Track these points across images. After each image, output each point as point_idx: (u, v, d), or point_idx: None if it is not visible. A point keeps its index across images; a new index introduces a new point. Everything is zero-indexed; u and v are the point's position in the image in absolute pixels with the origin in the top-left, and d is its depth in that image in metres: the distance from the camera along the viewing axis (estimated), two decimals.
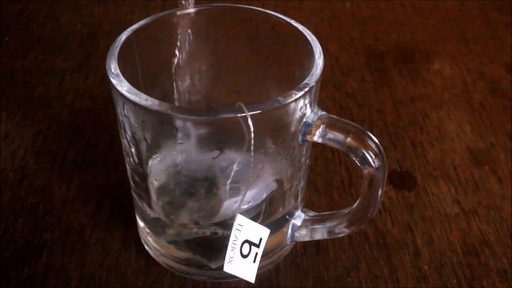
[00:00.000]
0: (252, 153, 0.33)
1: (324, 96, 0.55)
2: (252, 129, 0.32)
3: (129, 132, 0.36)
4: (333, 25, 0.65)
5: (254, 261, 0.36)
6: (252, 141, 0.33)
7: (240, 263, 0.36)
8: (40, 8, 0.66)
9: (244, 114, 0.32)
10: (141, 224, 0.41)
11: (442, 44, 0.63)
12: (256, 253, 0.36)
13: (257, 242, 0.36)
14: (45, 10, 0.66)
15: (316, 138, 0.35)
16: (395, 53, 0.62)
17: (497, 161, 0.50)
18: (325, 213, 0.40)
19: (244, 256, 0.36)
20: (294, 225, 0.40)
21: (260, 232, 0.36)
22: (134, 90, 0.33)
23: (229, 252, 0.36)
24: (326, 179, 0.48)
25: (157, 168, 0.38)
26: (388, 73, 0.59)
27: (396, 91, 0.57)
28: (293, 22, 0.38)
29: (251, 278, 0.37)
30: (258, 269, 0.38)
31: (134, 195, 0.40)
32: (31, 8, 0.66)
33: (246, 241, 0.36)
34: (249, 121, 0.32)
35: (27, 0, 0.67)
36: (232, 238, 0.35)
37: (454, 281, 0.41)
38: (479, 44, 0.63)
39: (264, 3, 0.68)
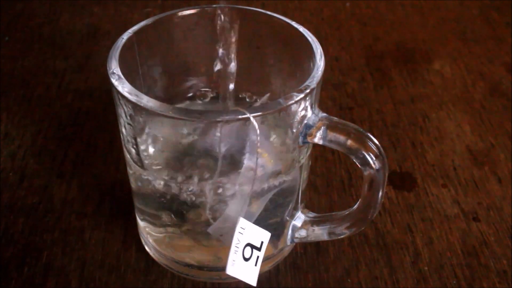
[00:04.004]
0: (259, 155, 0.33)
1: (324, 97, 0.55)
2: (258, 132, 0.32)
3: (129, 133, 0.36)
4: (333, 25, 0.65)
5: (255, 265, 0.36)
6: (259, 144, 0.32)
7: (242, 266, 0.36)
8: (40, 8, 0.66)
9: (247, 116, 0.32)
10: (141, 223, 0.41)
11: (442, 44, 0.63)
12: (258, 257, 0.36)
13: (258, 246, 0.36)
14: (45, 10, 0.66)
15: (317, 139, 0.35)
16: (395, 53, 0.62)
17: (497, 162, 0.50)
18: (325, 214, 0.40)
19: (246, 259, 0.36)
20: (294, 226, 0.40)
21: (261, 236, 0.36)
22: (135, 91, 0.33)
23: (231, 255, 0.36)
24: (326, 179, 0.48)
25: (157, 167, 0.38)
26: (388, 73, 0.59)
27: (396, 91, 0.57)
28: (293, 23, 0.38)
29: (253, 282, 0.37)
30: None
31: (133, 191, 0.40)
32: (31, 8, 0.66)
33: (248, 244, 0.36)
34: (254, 122, 0.32)
35: (27, 0, 0.67)
36: (234, 241, 0.35)
37: (454, 282, 0.41)
38: (479, 44, 0.63)
39: (264, 3, 0.68)
